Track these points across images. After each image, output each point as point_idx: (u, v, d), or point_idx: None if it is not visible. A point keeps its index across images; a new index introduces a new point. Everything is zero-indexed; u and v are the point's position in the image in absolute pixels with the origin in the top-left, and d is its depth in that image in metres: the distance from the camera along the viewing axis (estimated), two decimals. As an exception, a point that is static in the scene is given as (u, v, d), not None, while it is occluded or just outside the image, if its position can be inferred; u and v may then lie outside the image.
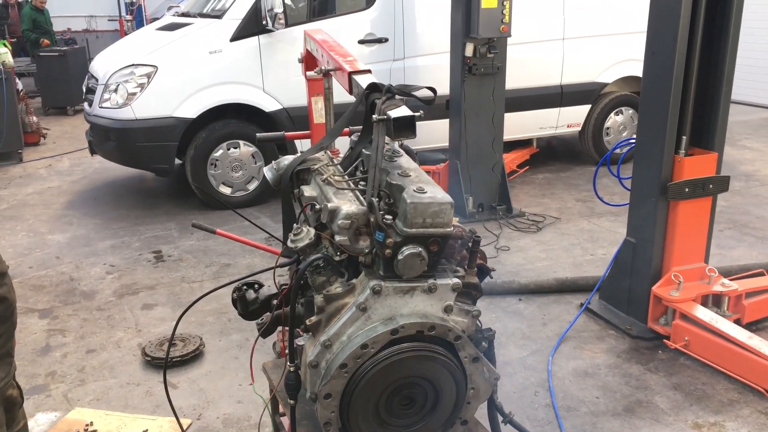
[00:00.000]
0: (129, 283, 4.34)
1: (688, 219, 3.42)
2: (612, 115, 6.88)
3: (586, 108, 6.80)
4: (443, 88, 5.67)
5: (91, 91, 5.85)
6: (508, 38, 5.31)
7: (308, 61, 3.01)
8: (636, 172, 3.58)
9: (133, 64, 5.47)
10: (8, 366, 1.49)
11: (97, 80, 5.76)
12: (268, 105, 5.66)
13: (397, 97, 1.85)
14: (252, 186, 5.87)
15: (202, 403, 3.00)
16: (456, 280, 1.64)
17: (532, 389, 3.10)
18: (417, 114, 1.69)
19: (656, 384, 3.11)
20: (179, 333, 3.57)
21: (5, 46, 8.27)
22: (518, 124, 6.46)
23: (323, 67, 2.55)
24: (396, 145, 1.98)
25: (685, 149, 3.34)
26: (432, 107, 6.45)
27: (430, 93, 1.89)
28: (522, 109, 6.38)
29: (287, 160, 2.00)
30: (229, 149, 5.65)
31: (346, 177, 1.82)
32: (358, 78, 2.05)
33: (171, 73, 5.44)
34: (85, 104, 6.05)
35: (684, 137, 3.32)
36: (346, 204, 1.64)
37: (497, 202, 5.61)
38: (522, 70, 6.14)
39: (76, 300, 4.10)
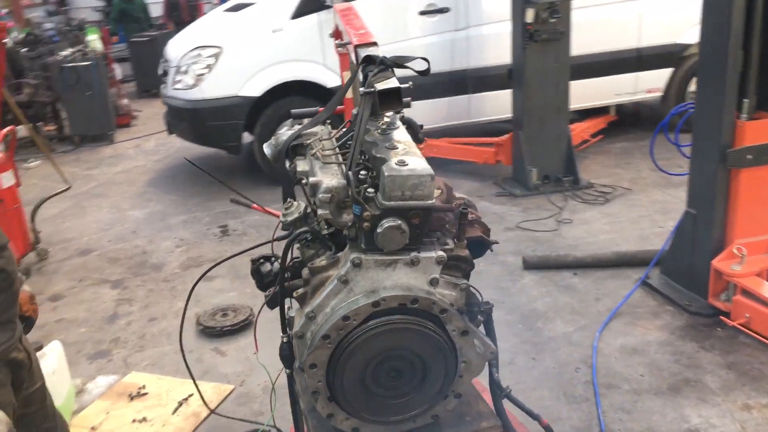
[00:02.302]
0: (195, 256, 4.56)
1: (751, 188, 3.19)
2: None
3: (668, 72, 6.42)
4: (508, 58, 5.52)
5: (166, 73, 6.12)
6: (574, 1, 5.09)
7: (337, 36, 3.02)
8: (695, 139, 3.37)
9: (200, 46, 5.68)
10: (10, 331, 1.62)
11: (170, 63, 6.02)
12: (330, 81, 5.71)
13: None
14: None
15: (246, 371, 3.14)
16: (440, 253, 1.63)
17: (574, 365, 3.02)
18: (404, 86, 1.67)
19: (709, 363, 2.95)
20: (232, 303, 3.74)
21: (95, 33, 8.79)
22: (591, 92, 6.21)
23: (338, 41, 2.54)
24: (397, 117, 1.97)
25: (748, 113, 3.10)
26: (494, 77, 6.32)
27: (424, 63, 1.86)
28: (594, 76, 6.12)
29: (285, 135, 2.03)
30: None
31: (337, 151, 1.82)
32: (361, 51, 2.04)
33: (236, 52, 5.60)
34: (162, 86, 6.35)
35: (745, 100, 3.08)
36: (328, 178, 1.65)
37: (564, 173, 5.43)
38: (593, 34, 5.87)
39: (145, 272, 4.36)
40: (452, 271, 1.70)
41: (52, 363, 2.71)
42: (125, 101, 9.27)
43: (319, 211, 1.64)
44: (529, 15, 5.03)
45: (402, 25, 5.92)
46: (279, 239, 1.81)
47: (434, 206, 1.59)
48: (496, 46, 5.73)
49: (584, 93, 6.12)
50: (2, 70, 4.31)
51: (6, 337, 1.59)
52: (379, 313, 1.61)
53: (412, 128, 2.10)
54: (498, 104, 5.93)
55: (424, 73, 1.86)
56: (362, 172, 1.62)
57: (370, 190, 1.59)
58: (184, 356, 2.04)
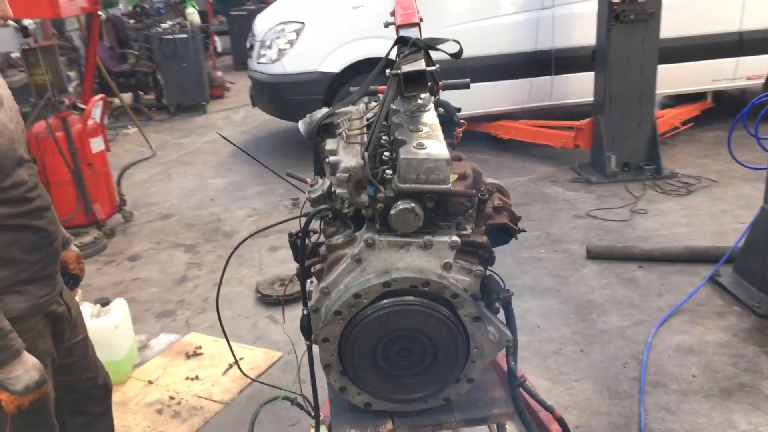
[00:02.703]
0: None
1: (836, 187, 2.95)
2: (804, 64, 5.98)
3: (772, 57, 5.98)
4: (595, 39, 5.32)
5: (253, 47, 6.31)
6: (666, -20, 4.83)
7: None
8: (776, 131, 3.15)
9: (284, 21, 5.81)
10: (50, 286, 1.76)
11: (255, 37, 6.21)
12: (409, 59, 5.70)
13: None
14: (393, 139, 6.02)
15: (296, 340, 3.24)
16: (454, 238, 1.63)
17: (623, 360, 2.94)
18: (430, 69, 1.67)
19: (770, 369, 2.79)
20: (291, 274, 3.86)
21: (194, 6, 9.16)
22: (684, 77, 5.89)
23: (386, 21, 2.54)
24: (430, 100, 1.97)
25: (838, 105, 2.86)
26: (579, 58, 6.12)
27: (456, 46, 1.84)
28: (689, 60, 5.79)
29: (320, 113, 2.07)
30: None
31: (364, 131, 1.85)
32: (402, 31, 2.04)
33: (317, 28, 5.70)
34: (249, 60, 6.55)
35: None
36: (348, 157, 1.68)
37: (645, 161, 5.20)
38: (688, 15, 5.56)
39: (217, 238, 4.58)
40: (468, 257, 1.70)
41: (116, 319, 2.92)
42: (219, 73, 9.64)
43: (338, 190, 1.68)
44: (616, -6, 4.82)
45: (485, 3, 5.82)
46: (302, 216, 1.86)
47: (449, 191, 1.59)
48: (583, 26, 5.52)
49: (677, 78, 5.82)
50: (95, 40, 4.60)
51: (45, 291, 1.73)
52: (390, 293, 1.63)
53: (448, 111, 2.11)
54: (582, 87, 5.73)
55: (456, 55, 1.84)
56: (386, 154, 1.64)
57: (389, 171, 1.61)
58: (221, 322, 2.13)
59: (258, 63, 6.04)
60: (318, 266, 1.74)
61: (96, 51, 4.66)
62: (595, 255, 3.92)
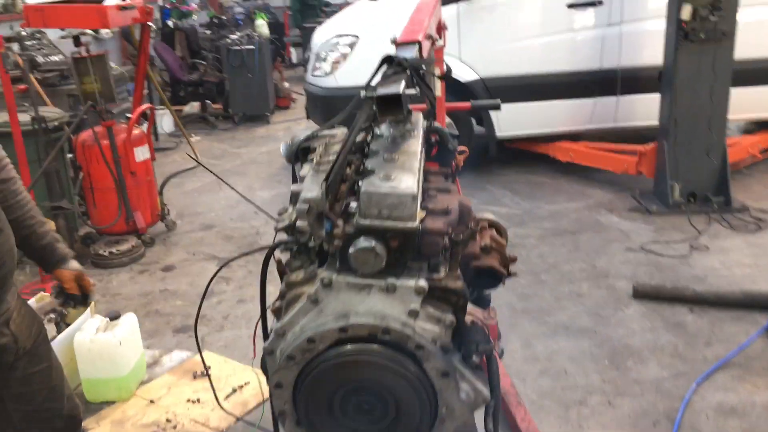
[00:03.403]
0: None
1: None
2: None
3: None
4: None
5: (308, 60, 6.30)
6: (743, -2, 4.45)
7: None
8: None
9: (339, 34, 5.75)
10: None
11: (312, 50, 6.18)
12: (464, 75, 5.52)
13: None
14: (444, 157, 5.84)
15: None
16: (421, 283, 1.45)
17: (653, 417, 2.65)
18: (403, 92, 1.50)
19: (827, 442, 2.44)
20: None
21: (263, 18, 9.28)
22: (764, 101, 5.43)
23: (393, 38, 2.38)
24: (419, 125, 1.81)
25: None
26: (648, 79, 5.78)
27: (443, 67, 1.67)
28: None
29: (304, 134, 1.93)
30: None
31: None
32: (400, 49, 1.89)
33: (371, 42, 5.60)
34: (305, 72, 6.54)
35: None
36: (310, 186, 1.53)
37: (713, 192, 4.80)
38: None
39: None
40: (440, 304, 1.51)
41: (121, 334, 2.88)
42: (287, 84, 9.72)
43: (298, 222, 1.54)
44: (686, 12, 4.48)
45: (547, 19, 5.57)
46: (264, 248, 1.73)
47: (415, 230, 1.42)
48: (653, 45, 5.17)
49: (755, 102, 5.37)
50: (146, 51, 4.66)
51: None
52: (346, 339, 1.47)
53: (442, 138, 1.93)
54: (651, 109, 5.37)
55: (442, 77, 1.67)
56: (360, 183, 1.49)
57: (354, 204, 1.46)
58: (199, 348, 2.04)
59: (313, 75, 6.00)
60: (277, 304, 1.61)
61: (146, 61, 4.73)
62: (641, 294, 3.61)
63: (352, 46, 5.64)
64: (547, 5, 5.56)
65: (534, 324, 3.43)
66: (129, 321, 2.97)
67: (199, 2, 13.20)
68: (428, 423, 1.53)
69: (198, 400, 2.88)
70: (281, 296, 1.61)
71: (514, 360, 3.12)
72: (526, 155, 6.09)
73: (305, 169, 1.75)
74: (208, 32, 10.06)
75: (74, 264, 2.07)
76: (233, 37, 8.79)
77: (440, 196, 1.69)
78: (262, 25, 9.24)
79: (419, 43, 1.96)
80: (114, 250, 4.38)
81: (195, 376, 3.06)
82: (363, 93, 1.58)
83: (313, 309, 1.50)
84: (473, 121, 5.89)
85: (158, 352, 3.28)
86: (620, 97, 5.65)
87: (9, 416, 1.85)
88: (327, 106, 5.85)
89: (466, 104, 3.32)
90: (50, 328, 2.91)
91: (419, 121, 1.86)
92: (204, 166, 5.12)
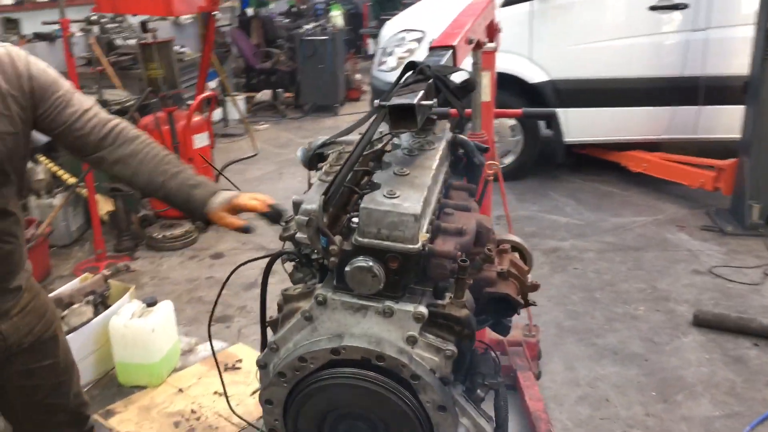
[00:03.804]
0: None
1: None
2: None
3: None
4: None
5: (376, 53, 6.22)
6: None
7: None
8: None
9: (406, 29, 5.64)
10: None
11: (379, 44, 6.10)
12: (533, 76, 5.31)
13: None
14: (507, 159, 5.66)
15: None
16: (421, 309, 1.34)
17: (697, 461, 2.43)
18: (417, 103, 1.39)
19: None
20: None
21: (338, 9, 9.27)
22: None
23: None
24: (442, 137, 1.69)
25: None
26: (734, 89, 5.39)
27: (464, 75, 1.55)
28: None
29: (321, 140, 1.85)
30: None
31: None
32: (431, 54, 1.78)
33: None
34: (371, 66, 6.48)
35: None
36: (313, 197, 1.45)
37: (797, 215, 4.43)
38: None
39: (301, 246, 4.50)
40: (442, 332, 1.40)
41: (155, 321, 2.90)
42: (358, 76, 9.70)
43: (297, 235, 1.46)
44: (777, 19, 4.12)
45: (626, 20, 5.27)
46: (266, 257, 1.67)
47: (415, 252, 1.31)
48: (740, 53, 4.81)
49: None
50: (211, 39, 4.70)
51: None
52: (339, 362, 1.39)
53: (467, 151, 1.80)
54: (732, 121, 5.01)
55: (467, 88, 1.55)
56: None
57: (355, 220, 1.37)
58: (212, 347, 2.01)
59: (378, 70, 5.93)
60: (275, 316, 1.54)
61: (210, 49, 4.78)
62: (703, 322, 3.35)
63: (419, 41, 5.53)
64: (627, 6, 5.27)
65: (580, 345, 3.25)
66: (165, 308, 2.99)
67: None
68: (425, 456, 1.43)
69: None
70: (279, 308, 1.55)
71: (554, 382, 2.95)
72: (596, 163, 5.81)
73: (315, 177, 1.68)
74: (286, 21, 10.16)
75: (218, 199, 1.81)
76: (307, 27, 8.82)
77: (458, 215, 1.57)
78: (336, 16, 9.23)
79: (453, 48, 1.85)
80: (167, 234, 4.46)
81: (226, 368, 3.05)
82: (377, 102, 1.49)
83: (307, 326, 1.42)
84: (541, 124, 5.67)
85: (194, 341, 3.30)
86: (701, 108, 5.30)
87: (12, 406, 1.87)
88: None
89: (518, 111, 3.16)
90: (88, 310, 2.97)
91: (444, 132, 1.75)
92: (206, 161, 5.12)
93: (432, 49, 1.83)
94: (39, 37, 6.12)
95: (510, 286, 1.57)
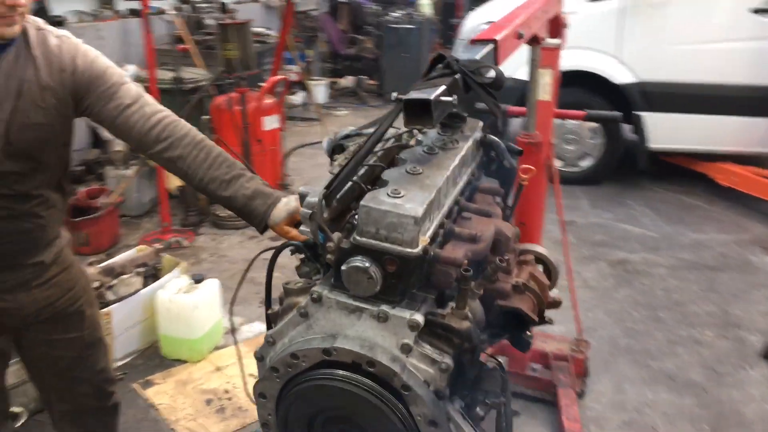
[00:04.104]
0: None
1: None
2: None
3: None
4: None
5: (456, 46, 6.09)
6: None
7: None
8: None
9: (488, 21, 5.47)
10: None
11: (460, 35, 5.97)
12: (620, 76, 5.03)
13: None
14: (585, 163, 5.42)
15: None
16: (416, 317, 1.27)
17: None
18: (434, 99, 1.30)
19: None
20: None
21: (429, -3, 9.15)
22: None
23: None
24: (471, 135, 1.60)
25: None
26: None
27: (496, 73, 1.45)
28: None
29: (347, 130, 1.78)
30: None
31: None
32: (469, 48, 1.68)
33: (521, 33, 5.27)
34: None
35: None
36: (316, 191, 1.40)
37: None
38: None
39: (359, 235, 4.48)
40: (440, 343, 1.32)
41: (199, 298, 2.94)
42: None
43: (301, 227, 1.42)
44: None
45: (726, 23, 4.90)
46: (271, 249, 1.63)
47: (414, 256, 1.23)
48: None
49: None
50: (288, 23, 4.73)
51: None
52: (331, 363, 1.33)
53: (498, 153, 1.69)
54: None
55: (493, 85, 1.44)
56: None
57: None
58: (233, 329, 2.00)
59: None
60: (275, 308, 1.51)
61: (287, 33, 4.81)
62: (773, 355, 3.08)
63: (500, 34, 5.36)
64: (728, 8, 4.89)
65: (634, 367, 3.05)
66: (211, 286, 3.04)
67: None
68: (413, 472, 1.36)
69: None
70: (279, 301, 1.52)
71: (598, 403, 2.79)
72: (681, 172, 5.47)
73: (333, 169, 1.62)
74: (377, 8, 10.13)
75: (280, 213, 1.70)
76: (394, 14, 8.76)
77: (476, 220, 1.49)
78: (425, 5, 9.12)
79: (495, 42, 1.73)
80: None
81: (263, 352, 3.07)
82: (394, 95, 1.41)
83: (302, 323, 1.38)
84: (625, 127, 5.39)
85: (240, 320, 3.34)
86: (808, 120, 4.88)
87: (37, 374, 1.93)
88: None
89: (581, 113, 2.98)
90: (137, 281, 3.06)
91: (474, 131, 1.65)
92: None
93: (473, 42, 1.72)
94: (133, 13, 6.38)
95: (525, 300, 1.47)
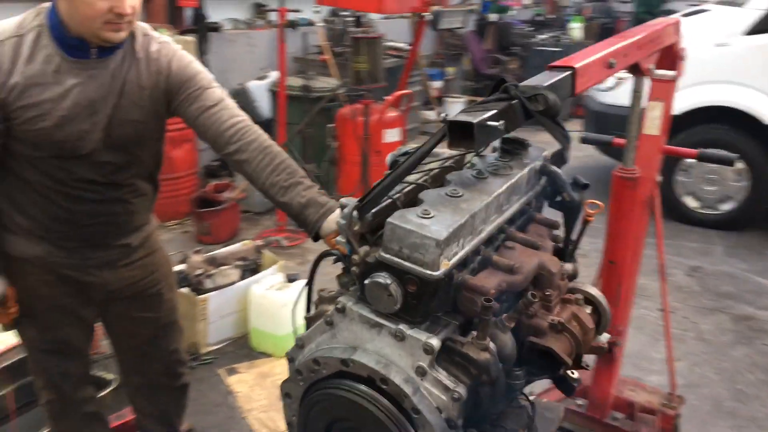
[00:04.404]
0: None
1: None
2: None
3: None
4: None
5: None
6: None
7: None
8: None
9: (629, 49, 5.23)
10: (68, 256, 1.84)
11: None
12: (775, 117, 4.60)
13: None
14: (725, 206, 5.00)
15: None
16: (432, 341, 1.26)
17: None
18: (478, 123, 1.28)
19: None
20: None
21: (579, 22, 8.87)
22: None
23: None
24: (531, 162, 1.55)
25: None
26: None
27: (550, 99, 1.39)
28: None
29: (408, 147, 1.78)
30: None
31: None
32: (545, 74, 1.62)
33: (664, 62, 4.98)
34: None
35: None
36: (355, 203, 1.42)
37: None
38: None
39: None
40: (457, 371, 1.29)
41: (289, 296, 3.07)
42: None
43: (337, 238, 1.44)
44: None
45: None
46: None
47: (433, 278, 1.22)
48: None
49: None
50: (418, 40, 4.80)
51: (59, 256, 1.82)
52: (348, 374, 1.35)
53: (554, 184, 1.61)
54: None
55: (546, 113, 1.39)
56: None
57: (389, 234, 1.32)
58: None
59: (594, 88, 5.59)
60: (311, 313, 1.54)
61: (417, 50, 4.88)
62: None
63: (642, 62, 5.09)
64: None
65: (735, 433, 2.77)
66: (299, 286, 3.15)
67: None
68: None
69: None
70: (315, 306, 1.55)
71: (682, 468, 2.56)
72: None
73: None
74: (529, 29, 9.98)
75: (330, 225, 1.70)
76: (541, 37, 8.60)
77: (519, 251, 1.44)
78: (575, 29, 8.86)
79: (573, 70, 1.66)
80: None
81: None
82: (443, 115, 1.40)
83: (328, 330, 1.41)
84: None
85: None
86: None
87: (117, 345, 2.12)
88: (600, 123, 5.40)
89: (693, 151, 2.75)
90: (234, 273, 3.24)
91: (535, 159, 1.60)
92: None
93: (550, 68, 1.67)
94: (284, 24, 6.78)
95: (560, 341, 1.39)
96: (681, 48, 2.37)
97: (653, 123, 2.44)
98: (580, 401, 2.70)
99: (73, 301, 1.91)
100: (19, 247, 1.81)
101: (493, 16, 9.82)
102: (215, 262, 3.21)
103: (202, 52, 5.36)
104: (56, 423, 2.06)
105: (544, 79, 1.57)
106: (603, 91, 5.40)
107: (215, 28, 5.91)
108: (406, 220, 1.26)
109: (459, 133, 1.30)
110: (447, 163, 1.60)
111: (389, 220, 1.26)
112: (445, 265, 1.24)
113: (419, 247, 1.23)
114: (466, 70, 9.49)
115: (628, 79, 5.00)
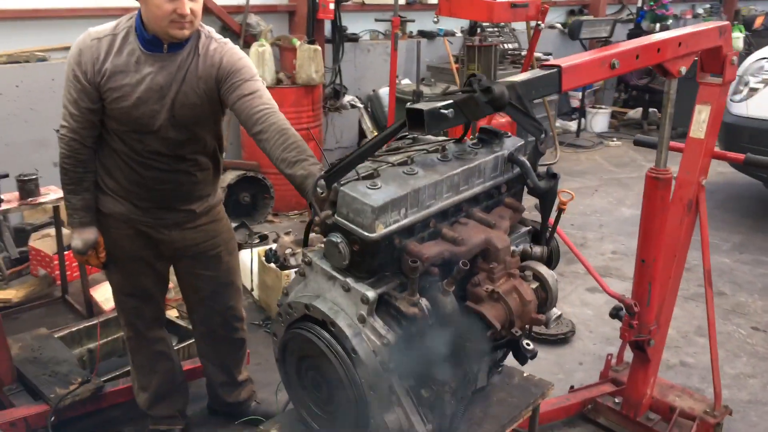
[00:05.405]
0: (617, 267, 4.35)
1: None
2: None
3: None
4: None
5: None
6: None
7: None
8: None
9: (764, 57, 4.89)
10: (145, 215, 2.25)
11: (739, 70, 5.39)
12: None
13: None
14: None
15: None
16: (369, 293, 1.48)
17: None
18: (428, 110, 1.47)
19: None
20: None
21: (740, 30, 8.21)
22: None
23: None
24: (498, 151, 1.70)
25: None
26: None
27: (495, 92, 1.53)
28: None
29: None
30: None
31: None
32: (534, 71, 1.76)
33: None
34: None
35: None
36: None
37: None
38: None
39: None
40: (391, 322, 1.51)
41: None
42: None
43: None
44: None
45: None
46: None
47: (370, 239, 1.44)
48: None
49: None
50: (533, 49, 4.86)
51: (137, 214, 2.23)
52: (310, 317, 1.60)
53: (524, 172, 1.73)
54: None
55: (492, 105, 1.53)
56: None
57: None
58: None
59: (729, 99, 5.27)
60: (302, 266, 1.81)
61: (531, 58, 4.92)
62: None
63: (778, 71, 4.77)
64: None
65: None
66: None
67: (710, 7, 12.29)
68: (363, 427, 1.55)
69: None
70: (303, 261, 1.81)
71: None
72: None
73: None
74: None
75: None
76: (697, 46, 8.08)
77: (471, 226, 1.61)
78: (736, 38, 8.23)
79: (559, 68, 1.77)
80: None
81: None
82: (408, 105, 1.60)
83: (301, 281, 1.67)
84: None
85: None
86: None
87: (187, 297, 2.52)
88: (730, 135, 5.09)
89: (740, 156, 2.64)
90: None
91: (502, 147, 1.75)
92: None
93: (541, 66, 1.80)
94: (422, 34, 7.11)
95: (494, 308, 1.54)
96: (729, 52, 2.34)
97: (700, 127, 2.43)
98: (617, 399, 2.71)
99: (149, 254, 2.33)
100: (108, 205, 2.25)
101: (648, 26, 9.40)
102: (299, 244, 3.57)
103: (334, 60, 5.81)
104: (132, 355, 2.52)
105: (528, 76, 1.71)
106: (737, 102, 5.09)
107: (354, 38, 6.37)
108: (355, 189, 1.49)
109: (414, 119, 1.51)
110: (432, 148, 1.79)
111: (341, 188, 1.50)
112: (380, 229, 1.46)
113: (360, 212, 1.46)
114: (614, 81, 9.19)
115: (761, 90, 4.74)
